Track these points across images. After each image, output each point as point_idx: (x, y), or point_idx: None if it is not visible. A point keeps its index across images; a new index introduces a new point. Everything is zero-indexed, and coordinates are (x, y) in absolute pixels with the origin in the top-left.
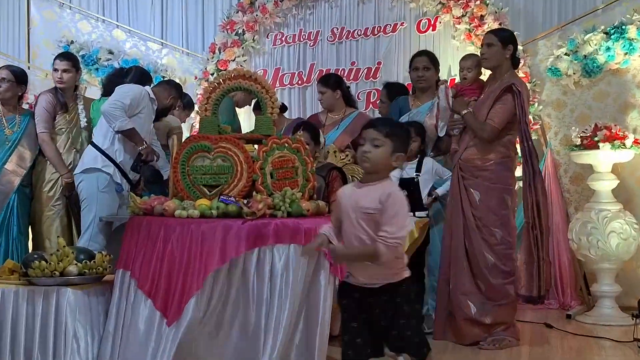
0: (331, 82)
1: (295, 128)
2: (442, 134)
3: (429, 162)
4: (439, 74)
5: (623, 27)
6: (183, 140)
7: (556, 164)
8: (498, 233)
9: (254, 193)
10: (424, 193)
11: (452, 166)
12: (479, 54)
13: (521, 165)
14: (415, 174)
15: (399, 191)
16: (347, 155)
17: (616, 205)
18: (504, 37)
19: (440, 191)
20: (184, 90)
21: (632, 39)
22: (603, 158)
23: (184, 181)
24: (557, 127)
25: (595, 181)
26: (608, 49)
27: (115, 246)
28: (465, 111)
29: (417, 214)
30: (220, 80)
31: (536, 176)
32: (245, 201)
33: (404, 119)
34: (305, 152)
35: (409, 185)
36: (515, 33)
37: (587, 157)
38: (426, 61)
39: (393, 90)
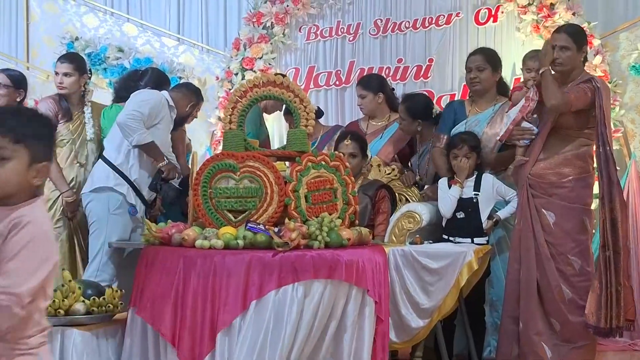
0: (372, 84)
1: (340, 137)
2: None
3: (488, 179)
4: (500, 74)
5: None
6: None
7: None
8: (576, 262)
9: (287, 220)
10: (484, 216)
11: (517, 183)
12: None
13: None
14: (473, 193)
15: (39, 222)
16: (392, 170)
17: None
18: (580, 38)
19: (502, 214)
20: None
21: None
22: None
23: (206, 206)
24: None
25: None
26: None
27: (127, 277)
28: (544, 69)
29: (475, 240)
30: (248, 87)
31: (613, 187)
32: (276, 229)
33: (459, 128)
34: (346, 171)
35: (468, 207)
36: (592, 24)
37: None
38: (480, 60)
39: (414, 104)
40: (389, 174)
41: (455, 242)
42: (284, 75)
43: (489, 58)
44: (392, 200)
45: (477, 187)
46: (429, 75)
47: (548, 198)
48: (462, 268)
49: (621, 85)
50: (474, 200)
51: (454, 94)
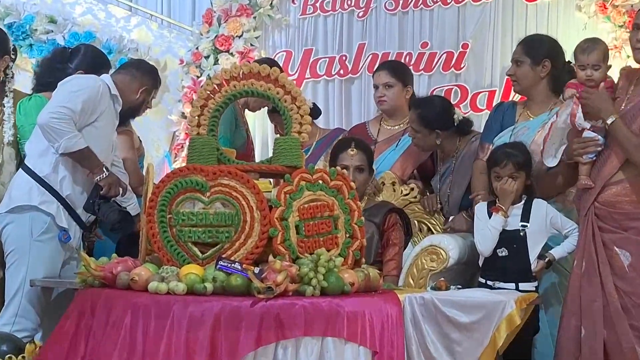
0: (403, 71)
1: (341, 146)
2: (553, 163)
3: (541, 206)
4: (550, 68)
5: None
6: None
7: None
8: None
9: (271, 257)
10: (533, 254)
11: (579, 213)
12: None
13: None
14: (520, 224)
15: None
16: (412, 190)
17: None
18: None
19: (558, 252)
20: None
21: None
22: None
23: (164, 236)
24: None
25: None
26: None
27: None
28: (612, 118)
29: (521, 286)
30: (222, 79)
31: None
32: (256, 270)
33: (504, 137)
34: (350, 194)
35: (512, 242)
36: None
37: None
38: (518, 52)
39: (429, 111)
40: (406, 195)
41: (494, 288)
42: (272, 63)
43: (532, 47)
44: (406, 228)
45: (525, 216)
46: (462, 65)
47: (622, 233)
48: (499, 323)
49: None
50: (521, 234)
51: (494, 91)
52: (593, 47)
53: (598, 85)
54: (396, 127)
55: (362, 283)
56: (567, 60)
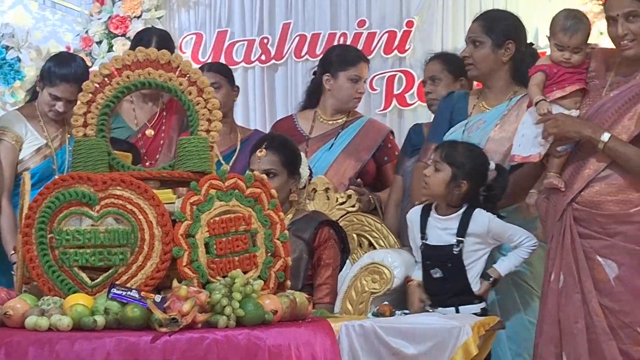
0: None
1: (254, 145)
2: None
3: (481, 218)
4: (512, 50)
5: None
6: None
7: None
8: None
9: (175, 282)
10: (473, 273)
11: (544, 218)
12: (581, 11)
13: None
14: (456, 239)
15: None
16: (349, 197)
17: None
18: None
19: (504, 268)
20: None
21: None
22: None
23: (44, 260)
24: None
25: None
26: None
27: None
28: (607, 135)
29: (461, 309)
30: (113, 69)
31: None
32: (158, 297)
33: (456, 131)
34: (271, 204)
35: (446, 260)
36: None
37: None
38: (476, 30)
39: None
40: (342, 203)
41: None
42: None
43: (490, 28)
44: (342, 244)
45: (462, 230)
46: (406, 47)
47: (607, 240)
48: (454, 354)
49: None
50: (455, 251)
51: None
52: (577, 27)
53: (576, 67)
54: (339, 120)
55: (287, 311)
56: (529, 42)
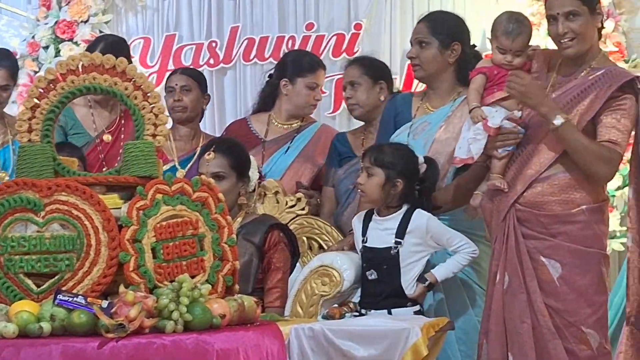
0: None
1: (203, 150)
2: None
3: (421, 219)
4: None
5: None
6: None
7: None
8: (593, 337)
9: (122, 287)
10: (410, 276)
11: (488, 221)
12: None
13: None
14: (394, 240)
15: None
16: (299, 200)
17: None
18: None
19: (441, 273)
20: None
21: None
22: None
23: None
24: None
25: None
26: None
27: None
28: (561, 119)
29: (394, 312)
30: (58, 74)
31: None
32: (105, 303)
33: (401, 134)
34: (219, 208)
35: (382, 262)
36: None
37: None
38: (423, 31)
39: None
40: (292, 206)
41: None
42: (118, 45)
43: (437, 29)
44: (292, 247)
45: (401, 231)
46: (355, 49)
47: (550, 240)
48: (403, 355)
49: None
50: (392, 253)
51: (395, 78)
52: (519, 30)
53: (517, 69)
54: (294, 125)
55: (235, 314)
56: (472, 43)
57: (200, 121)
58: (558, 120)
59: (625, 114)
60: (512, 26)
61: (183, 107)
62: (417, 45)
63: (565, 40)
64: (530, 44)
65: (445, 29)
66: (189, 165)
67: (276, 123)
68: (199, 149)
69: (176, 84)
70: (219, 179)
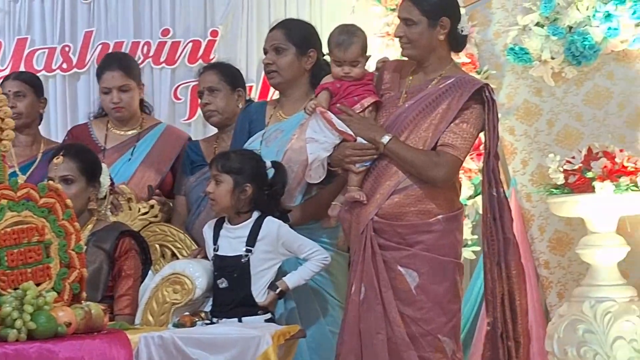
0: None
1: (52, 154)
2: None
3: (272, 226)
4: (313, 58)
5: None
6: None
7: (525, 216)
8: (448, 345)
9: None
10: (261, 284)
11: (346, 231)
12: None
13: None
14: (245, 248)
15: None
16: (152, 207)
17: (625, 291)
18: (432, 6)
19: (292, 280)
20: None
21: None
22: (601, 208)
23: None
24: (525, 151)
25: (590, 248)
26: (608, 16)
27: None
28: (387, 137)
29: (244, 320)
30: None
31: (509, 247)
32: None
33: (254, 142)
34: (66, 214)
35: (232, 270)
36: None
37: (576, 206)
38: (279, 37)
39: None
40: (145, 213)
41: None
42: None
43: (292, 35)
44: (144, 255)
45: (252, 239)
46: (211, 56)
47: (408, 249)
48: None
49: (495, 77)
50: (243, 261)
51: (250, 87)
52: (350, 41)
53: (358, 79)
54: (129, 132)
55: (81, 322)
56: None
57: (39, 125)
58: (385, 139)
59: (467, 119)
60: (343, 37)
61: (17, 114)
62: (273, 52)
63: (401, 43)
64: (374, 54)
65: (301, 35)
66: (29, 172)
67: (114, 129)
68: (39, 155)
69: (9, 90)
70: (67, 182)
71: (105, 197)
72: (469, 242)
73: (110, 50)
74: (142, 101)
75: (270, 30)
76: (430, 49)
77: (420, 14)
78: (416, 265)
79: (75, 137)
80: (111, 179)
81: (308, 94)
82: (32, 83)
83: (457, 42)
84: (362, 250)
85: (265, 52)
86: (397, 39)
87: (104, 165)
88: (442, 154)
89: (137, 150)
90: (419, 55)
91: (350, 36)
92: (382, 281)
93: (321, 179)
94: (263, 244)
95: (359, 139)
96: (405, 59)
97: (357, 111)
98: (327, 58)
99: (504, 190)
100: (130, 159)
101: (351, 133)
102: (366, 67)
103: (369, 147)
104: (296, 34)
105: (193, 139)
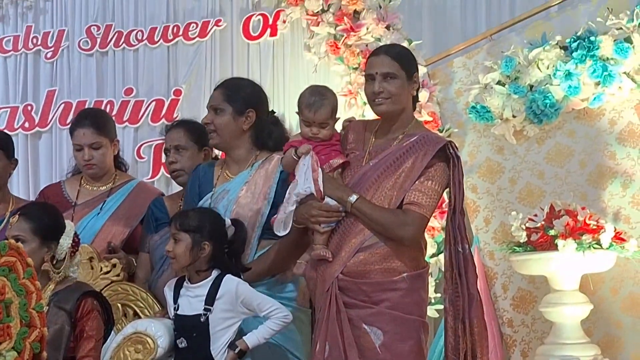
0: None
1: (12, 214)
2: (284, 232)
3: (230, 283)
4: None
5: (591, 38)
6: None
7: (488, 274)
8: None
9: None
10: (220, 343)
11: (312, 289)
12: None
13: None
14: (203, 307)
15: None
16: (114, 267)
17: (589, 350)
18: (410, 61)
19: (252, 339)
20: None
21: (607, 58)
22: (564, 266)
23: None
24: (488, 209)
25: (553, 306)
26: (569, 75)
27: None
28: (354, 196)
29: None
30: None
31: (473, 303)
32: None
33: (203, 204)
34: (27, 273)
35: (192, 330)
36: (414, 44)
37: (539, 263)
38: (217, 98)
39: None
40: (107, 272)
41: None
42: None
43: (231, 95)
44: (106, 316)
45: (211, 298)
46: (175, 115)
47: (372, 307)
48: None
49: (457, 135)
50: (202, 320)
51: None
52: (321, 102)
53: (326, 140)
54: (102, 187)
55: None
56: (271, 109)
57: (6, 184)
58: (352, 198)
59: (432, 176)
60: (314, 99)
61: None
62: (212, 112)
63: (380, 99)
64: (340, 115)
65: (239, 96)
66: None
67: (87, 185)
68: (7, 214)
69: None
70: (18, 242)
71: (64, 257)
72: (432, 301)
73: (72, 109)
74: (117, 157)
75: (214, 90)
76: (405, 105)
77: (400, 68)
78: (381, 323)
79: (46, 197)
80: (77, 237)
81: (251, 152)
82: (4, 146)
83: (416, 99)
84: (327, 308)
85: (208, 112)
86: (359, 98)
87: (69, 225)
88: (409, 212)
89: (107, 205)
90: (397, 110)
91: (321, 98)
92: (347, 339)
93: (287, 233)
94: (222, 303)
95: (327, 199)
96: (370, 118)
97: (326, 171)
98: (277, 116)
99: (469, 247)
100: (99, 214)
101: (322, 189)
102: (335, 128)
103: (336, 209)
104: (235, 94)
105: None
